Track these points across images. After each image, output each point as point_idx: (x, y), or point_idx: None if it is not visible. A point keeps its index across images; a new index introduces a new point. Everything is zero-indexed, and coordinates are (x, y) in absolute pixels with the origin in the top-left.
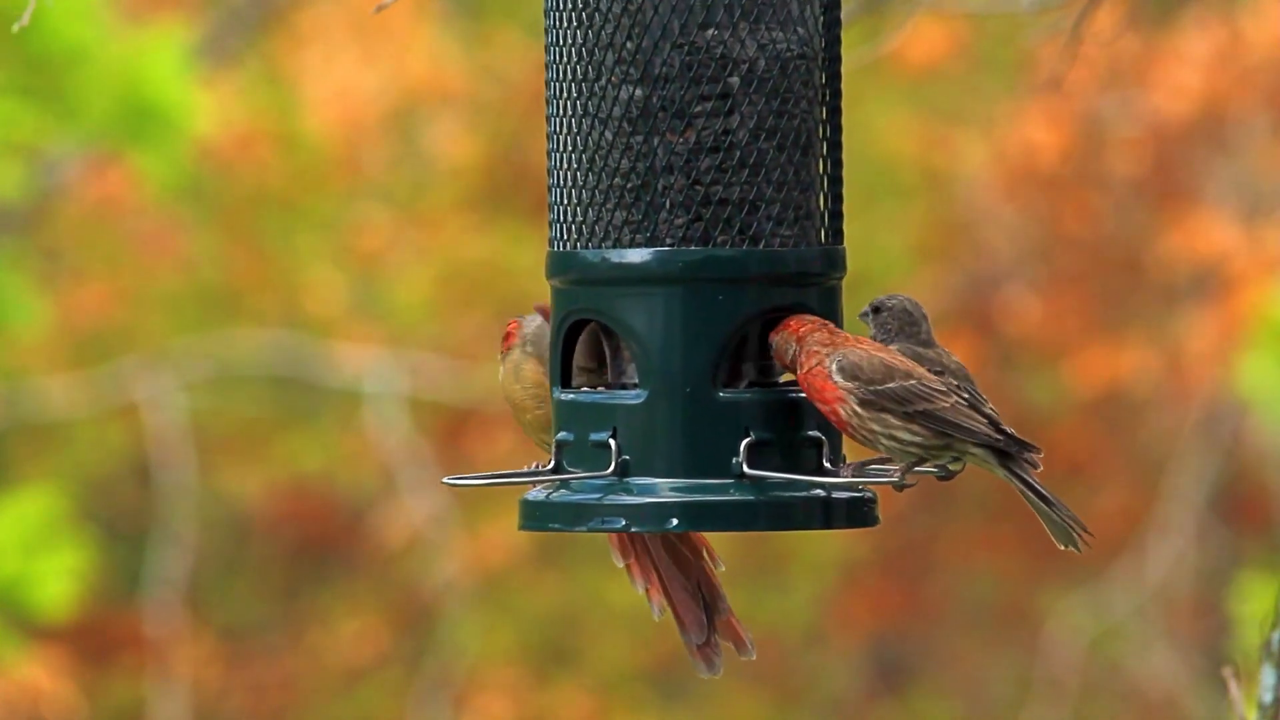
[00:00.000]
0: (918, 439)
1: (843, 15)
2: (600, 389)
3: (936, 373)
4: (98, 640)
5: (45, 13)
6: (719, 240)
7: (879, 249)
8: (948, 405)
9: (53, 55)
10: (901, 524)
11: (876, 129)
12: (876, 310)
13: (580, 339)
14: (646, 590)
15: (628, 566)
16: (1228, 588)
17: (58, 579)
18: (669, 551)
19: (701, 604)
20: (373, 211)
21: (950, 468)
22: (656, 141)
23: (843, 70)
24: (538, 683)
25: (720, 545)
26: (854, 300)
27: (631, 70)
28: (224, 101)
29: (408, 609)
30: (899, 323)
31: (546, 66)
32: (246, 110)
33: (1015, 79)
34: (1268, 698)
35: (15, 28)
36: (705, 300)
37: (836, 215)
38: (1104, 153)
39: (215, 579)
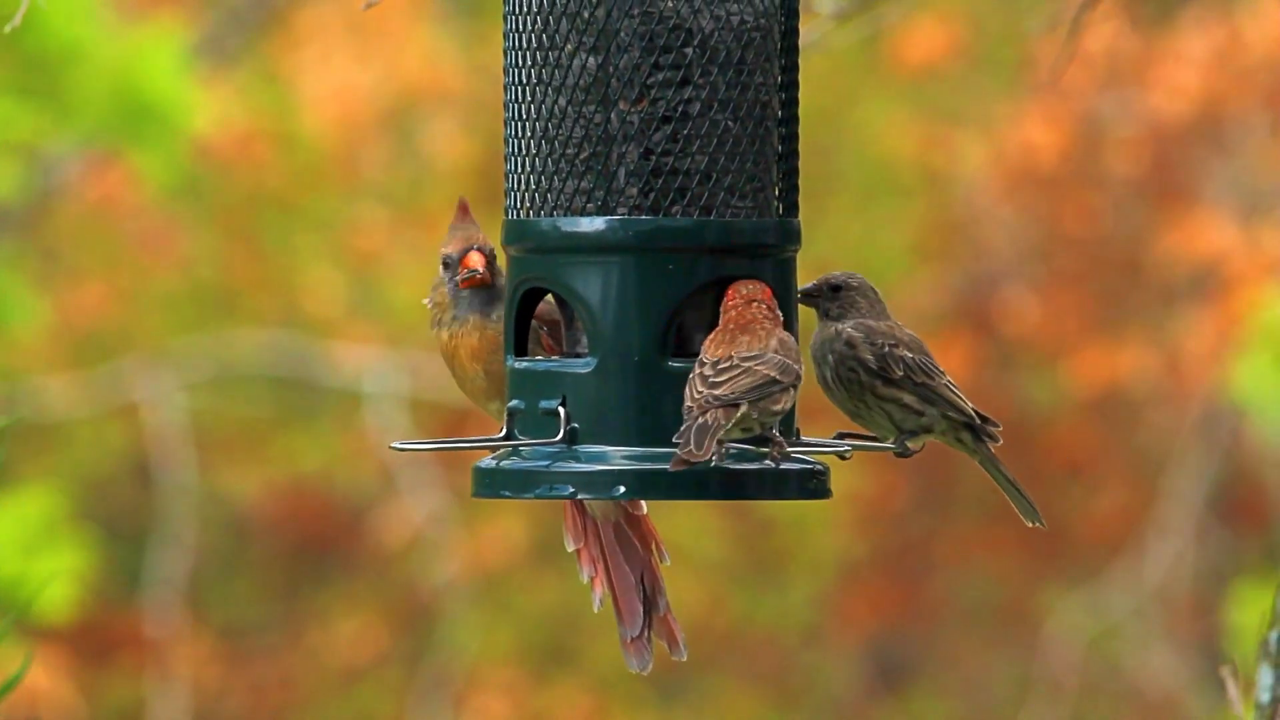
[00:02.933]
0: None
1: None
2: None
3: (890, 344)
4: (97, 640)
5: (41, 11)
6: (671, 210)
7: (878, 248)
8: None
9: (49, 53)
10: (901, 524)
11: (875, 128)
12: (835, 289)
13: None
14: (591, 579)
15: (577, 553)
16: (1226, 589)
17: (57, 580)
18: (619, 539)
19: (642, 597)
20: (370, 211)
21: (909, 445)
22: (611, 111)
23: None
24: (537, 682)
25: (718, 544)
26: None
27: (586, 39)
28: (222, 101)
29: (407, 609)
30: (866, 300)
31: (504, 35)
32: (245, 110)
33: (1014, 79)
34: (1265, 697)
35: (7, 28)
36: (656, 269)
37: (792, 189)
38: (1103, 153)
39: (215, 579)
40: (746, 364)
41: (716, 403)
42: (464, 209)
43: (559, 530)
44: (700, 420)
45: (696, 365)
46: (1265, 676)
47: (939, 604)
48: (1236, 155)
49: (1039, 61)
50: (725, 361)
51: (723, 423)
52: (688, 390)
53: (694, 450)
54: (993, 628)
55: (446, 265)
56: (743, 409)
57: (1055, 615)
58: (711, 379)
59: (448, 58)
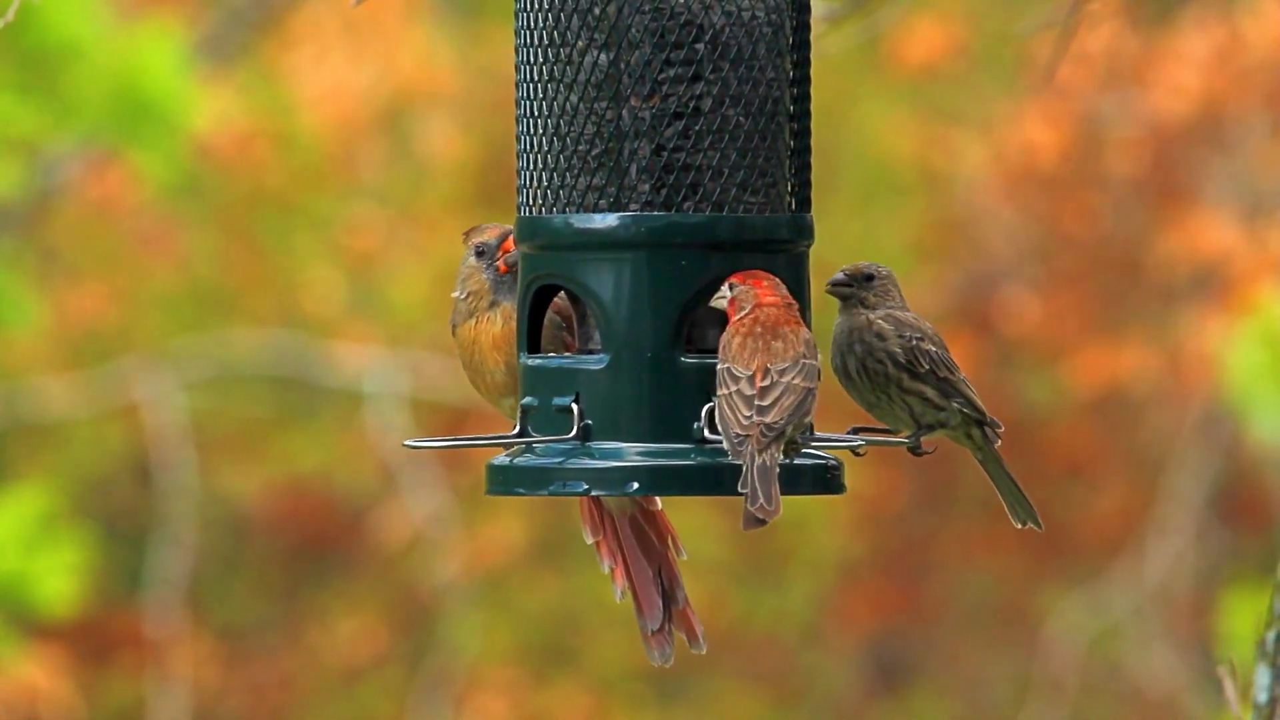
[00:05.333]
0: None
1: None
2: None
3: (917, 339)
4: (97, 640)
5: (41, 9)
6: (683, 206)
7: (877, 248)
8: None
9: (49, 51)
10: (901, 524)
11: (875, 128)
12: (869, 278)
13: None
14: (612, 570)
15: (596, 544)
16: (1220, 593)
17: (57, 577)
18: (636, 534)
19: (660, 591)
20: (368, 211)
21: (922, 441)
22: (622, 108)
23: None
24: (536, 682)
25: (719, 544)
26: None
27: (598, 35)
28: (221, 101)
29: (407, 609)
30: (897, 289)
31: (516, 33)
32: (243, 110)
33: (1014, 79)
34: (1263, 697)
35: (1, 23)
36: (669, 265)
37: (804, 184)
38: (1103, 153)
39: (215, 579)
40: (786, 379)
41: (772, 434)
42: None
43: (559, 530)
44: (759, 462)
45: (729, 379)
46: (1263, 676)
47: (939, 604)
48: (1236, 155)
49: (1037, 61)
50: (765, 378)
51: (778, 458)
52: (730, 413)
53: (766, 507)
54: (993, 628)
55: (482, 253)
56: (788, 433)
57: (1055, 615)
58: (758, 402)
59: (443, 57)
